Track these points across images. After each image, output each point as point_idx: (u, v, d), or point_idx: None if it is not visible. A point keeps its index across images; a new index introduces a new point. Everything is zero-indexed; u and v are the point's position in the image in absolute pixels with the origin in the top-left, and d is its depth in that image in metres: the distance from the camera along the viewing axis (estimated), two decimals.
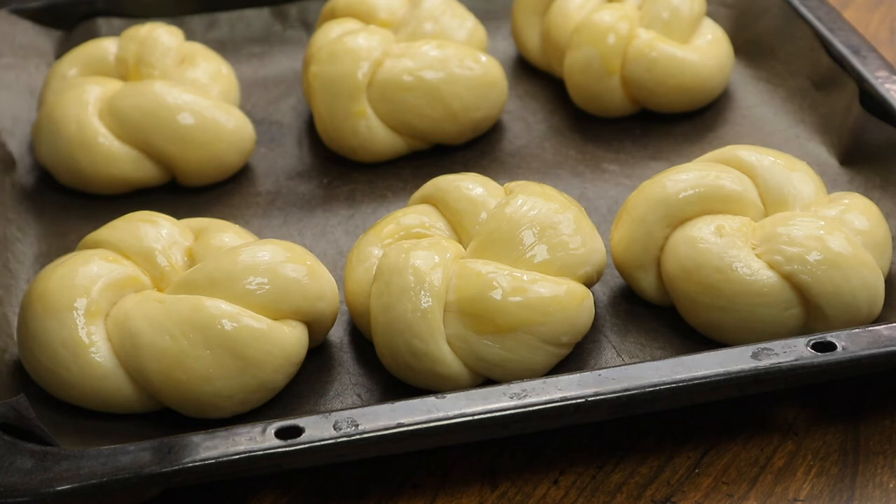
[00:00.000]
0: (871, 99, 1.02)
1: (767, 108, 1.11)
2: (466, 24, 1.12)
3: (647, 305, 0.90)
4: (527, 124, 1.11)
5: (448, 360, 0.81)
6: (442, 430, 0.75)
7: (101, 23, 1.22)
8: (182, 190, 1.05)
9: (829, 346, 0.78)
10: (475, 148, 1.08)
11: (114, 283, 0.83)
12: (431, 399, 0.76)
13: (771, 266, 0.83)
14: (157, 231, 0.86)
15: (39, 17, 1.21)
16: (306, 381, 0.85)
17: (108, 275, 0.83)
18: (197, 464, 0.72)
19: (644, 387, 0.76)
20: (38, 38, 1.20)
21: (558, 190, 0.90)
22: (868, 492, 0.77)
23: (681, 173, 0.89)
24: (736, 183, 0.88)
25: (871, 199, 0.93)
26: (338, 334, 0.88)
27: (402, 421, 0.74)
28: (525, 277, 0.82)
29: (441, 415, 0.75)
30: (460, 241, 0.86)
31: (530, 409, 0.75)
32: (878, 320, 0.85)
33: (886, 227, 0.89)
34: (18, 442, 0.74)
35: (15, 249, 0.97)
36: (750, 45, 1.17)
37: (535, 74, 1.17)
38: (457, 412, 0.75)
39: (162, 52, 1.08)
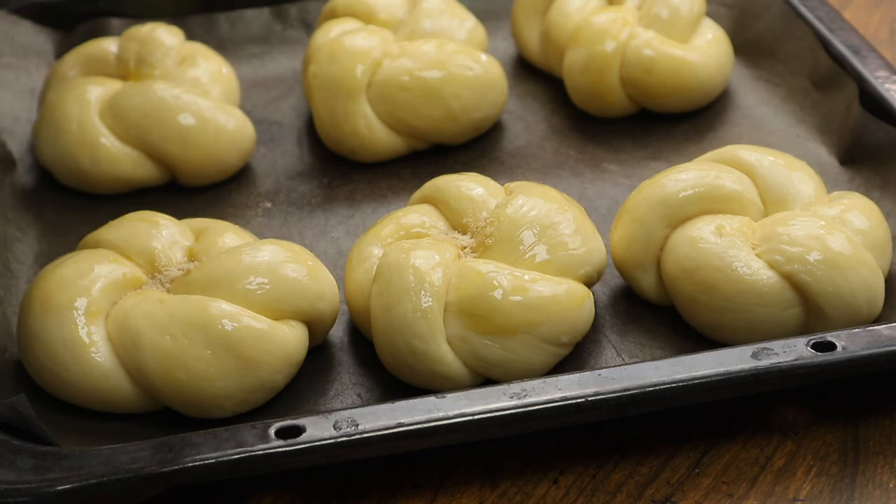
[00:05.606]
0: (871, 99, 1.02)
1: (767, 108, 1.11)
2: (466, 24, 1.12)
3: (647, 305, 0.90)
4: (527, 124, 1.11)
5: (448, 359, 0.81)
6: (442, 430, 0.75)
7: (101, 23, 1.22)
8: (182, 190, 1.05)
9: (829, 346, 0.78)
10: (475, 148, 1.08)
11: (114, 282, 0.83)
12: (431, 399, 0.76)
13: (771, 266, 0.83)
14: (157, 231, 0.87)
15: (39, 17, 1.21)
16: (306, 381, 0.85)
17: (108, 275, 0.83)
18: (197, 464, 0.72)
19: (644, 387, 0.76)
20: (38, 38, 1.20)
21: (558, 190, 0.90)
22: (868, 492, 0.77)
23: (681, 173, 0.89)
24: (736, 183, 0.88)
25: (871, 199, 0.93)
26: (338, 334, 0.88)
27: (402, 421, 0.74)
28: (526, 277, 0.82)
29: (441, 415, 0.75)
30: None
31: (530, 409, 0.75)
32: (878, 320, 0.85)
33: (886, 227, 0.89)
34: (18, 442, 0.74)
35: (15, 249, 0.97)
36: (750, 45, 1.17)
37: (535, 74, 1.17)
38: (457, 412, 0.75)
39: (162, 52, 1.08)
